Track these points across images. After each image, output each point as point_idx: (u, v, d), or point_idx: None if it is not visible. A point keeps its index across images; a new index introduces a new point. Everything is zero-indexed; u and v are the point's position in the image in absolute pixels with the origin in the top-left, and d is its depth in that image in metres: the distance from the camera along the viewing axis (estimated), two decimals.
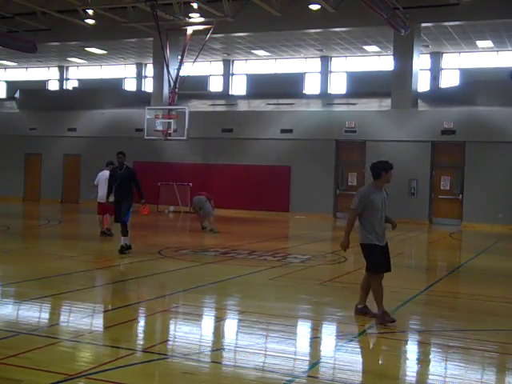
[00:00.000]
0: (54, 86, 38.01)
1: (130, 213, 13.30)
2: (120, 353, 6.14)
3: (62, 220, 23.00)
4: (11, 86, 37.99)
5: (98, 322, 7.36)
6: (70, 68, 38.00)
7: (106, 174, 15.64)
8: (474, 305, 9.34)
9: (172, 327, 7.57)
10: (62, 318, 7.81)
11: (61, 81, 37.93)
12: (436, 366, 6.36)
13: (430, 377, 5.89)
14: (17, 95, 32.85)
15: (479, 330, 5.85)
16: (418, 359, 6.55)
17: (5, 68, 38.88)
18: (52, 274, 10.25)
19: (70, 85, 37.62)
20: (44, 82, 38.16)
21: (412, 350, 7.03)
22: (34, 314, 7.94)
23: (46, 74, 38.51)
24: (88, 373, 5.38)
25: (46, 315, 8.01)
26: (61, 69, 37.83)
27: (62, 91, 35.77)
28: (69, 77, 38.11)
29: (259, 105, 29.00)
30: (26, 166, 31.03)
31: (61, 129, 29.96)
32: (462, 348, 6.69)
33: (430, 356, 6.70)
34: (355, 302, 8.18)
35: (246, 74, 33.41)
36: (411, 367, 6.28)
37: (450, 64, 29.87)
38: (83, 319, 7.47)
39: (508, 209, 22.99)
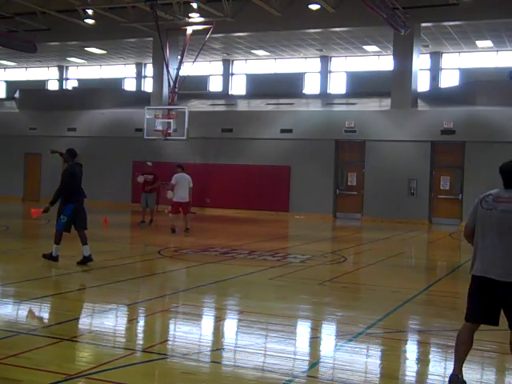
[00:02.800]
0: (53, 85, 38.01)
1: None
2: (120, 353, 6.14)
3: None
4: (11, 85, 37.98)
5: (97, 322, 7.36)
6: (70, 68, 38.00)
7: (185, 176, 18.12)
8: None
9: (172, 327, 7.57)
10: (62, 317, 7.80)
11: (60, 81, 37.93)
12: (435, 365, 6.36)
13: (430, 377, 5.89)
14: (16, 95, 32.84)
15: (478, 330, 5.85)
16: (417, 359, 6.56)
17: (4, 68, 38.88)
18: (52, 274, 10.25)
19: (70, 85, 37.61)
20: (44, 82, 38.15)
21: (412, 349, 7.03)
22: (34, 313, 7.95)
23: (45, 74, 38.51)
24: (88, 373, 5.38)
25: (45, 315, 8.01)
26: (60, 69, 37.83)
27: (62, 91, 35.76)
28: (68, 77, 38.11)
29: (259, 105, 29.00)
30: (25, 165, 31.02)
31: (61, 129, 29.95)
32: None
33: (430, 356, 6.71)
34: (355, 302, 8.18)
35: (246, 74, 33.41)
36: (411, 367, 6.28)
37: (450, 64, 29.88)
38: (83, 319, 7.48)
39: None
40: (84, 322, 7.32)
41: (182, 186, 18.09)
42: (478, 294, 5.29)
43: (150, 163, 21.18)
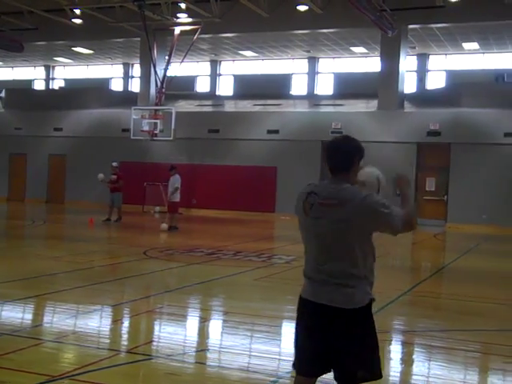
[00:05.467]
0: (40, 85, 37.83)
1: None
2: (104, 354, 6.12)
3: (47, 220, 22.90)
4: None
5: (81, 323, 7.33)
6: (57, 67, 37.83)
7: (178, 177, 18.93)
8: (457, 305, 9.40)
9: (156, 328, 7.56)
10: (46, 318, 7.77)
11: (47, 80, 37.76)
12: (419, 366, 6.39)
13: (414, 377, 5.93)
14: (2, 94, 32.66)
15: (462, 330, 5.89)
16: (401, 359, 6.59)
17: None
18: (36, 275, 10.20)
19: (57, 84, 37.45)
20: (30, 82, 37.96)
21: (396, 350, 7.06)
22: (17, 314, 7.90)
23: (32, 74, 38.32)
24: (72, 374, 5.36)
25: (29, 316, 7.97)
26: (47, 68, 37.67)
27: (48, 91, 35.60)
28: (55, 76, 37.94)
29: (246, 105, 29.01)
30: (10, 165, 30.84)
31: (46, 129, 29.82)
32: (445, 348, 6.73)
33: (414, 356, 6.74)
34: None
35: (233, 75, 33.41)
36: (395, 367, 6.31)
37: (436, 66, 30.05)
38: (67, 320, 7.44)
39: (492, 210, 23.14)
40: (68, 323, 7.29)
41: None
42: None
43: (115, 164, 21.83)
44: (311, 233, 3.86)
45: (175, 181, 18.89)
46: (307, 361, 3.83)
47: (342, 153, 3.86)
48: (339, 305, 3.69)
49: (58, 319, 7.50)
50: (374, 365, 3.79)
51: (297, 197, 3.95)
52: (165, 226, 18.53)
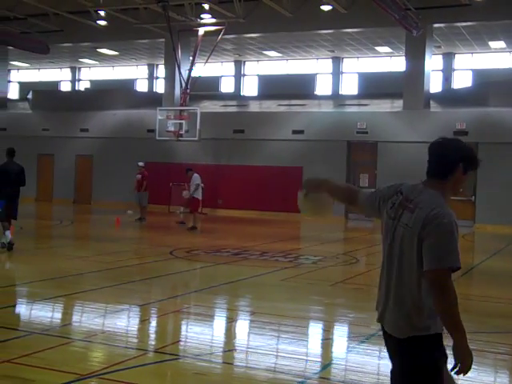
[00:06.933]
0: (66, 86, 38.21)
1: None
2: (132, 353, 6.15)
3: (75, 220, 23.11)
4: (24, 86, 38.22)
5: (110, 322, 7.38)
6: (82, 69, 38.19)
7: (197, 176, 19.43)
8: (486, 307, 9.30)
9: (184, 328, 7.58)
10: (74, 318, 7.84)
11: (73, 82, 38.13)
12: (448, 368, 6.31)
13: None
14: (29, 96, 33.02)
15: (491, 333, 5.81)
16: None
17: (17, 69, 39.12)
18: (64, 274, 10.29)
19: (82, 86, 37.80)
20: (56, 83, 38.37)
21: None
22: (47, 313, 7.98)
23: (58, 75, 38.72)
24: (100, 373, 5.40)
25: (58, 315, 8.04)
26: (73, 70, 38.03)
27: (74, 92, 35.94)
28: (81, 78, 38.30)
29: (270, 106, 28.99)
30: (38, 166, 31.15)
31: (73, 129, 30.07)
32: (474, 350, 6.62)
33: None
34: (367, 303, 8.14)
35: (258, 75, 33.43)
36: None
37: (463, 65, 29.77)
38: (95, 319, 7.50)
39: None
40: (96, 322, 7.34)
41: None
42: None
43: (141, 163, 22.09)
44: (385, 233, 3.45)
45: (195, 179, 19.35)
46: None
47: (437, 156, 3.48)
48: None
49: (87, 318, 7.56)
50: None
51: (380, 192, 3.56)
52: (186, 193, 19.60)
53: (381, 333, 7.35)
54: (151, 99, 29.73)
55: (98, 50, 32.10)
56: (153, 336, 7.20)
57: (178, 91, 27.25)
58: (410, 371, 3.39)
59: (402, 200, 3.35)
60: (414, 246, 3.22)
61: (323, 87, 32.03)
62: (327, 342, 7.13)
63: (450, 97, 26.34)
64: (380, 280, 3.44)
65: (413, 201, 3.30)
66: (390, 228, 3.36)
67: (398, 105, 25.79)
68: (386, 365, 6.27)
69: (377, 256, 15.49)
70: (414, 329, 3.29)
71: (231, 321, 7.99)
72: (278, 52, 30.93)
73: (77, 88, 37.64)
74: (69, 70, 38.15)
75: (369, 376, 5.71)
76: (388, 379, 5.77)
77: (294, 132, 26.23)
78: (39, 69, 38.73)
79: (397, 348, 3.44)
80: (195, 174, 19.44)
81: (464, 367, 3.35)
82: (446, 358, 3.42)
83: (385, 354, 6.58)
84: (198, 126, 23.97)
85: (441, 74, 29.74)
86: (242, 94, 33.18)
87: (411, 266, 3.24)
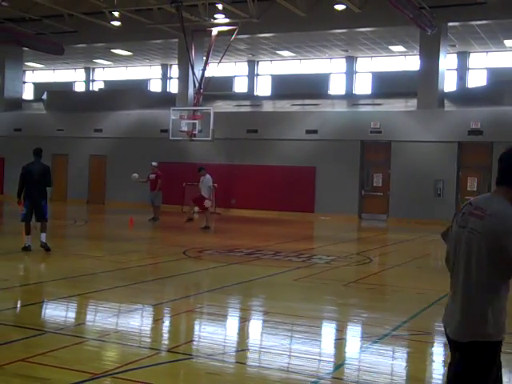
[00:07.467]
0: (80, 87, 38.39)
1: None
2: (145, 352, 6.16)
3: (88, 220, 23.21)
4: (39, 87, 38.46)
5: (123, 322, 7.41)
6: (96, 69, 38.36)
7: (209, 177, 19.43)
8: None
9: (197, 327, 7.59)
10: (88, 317, 7.87)
11: (87, 82, 38.30)
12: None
13: None
14: (44, 97, 33.20)
15: (509, 333, 5.79)
16: (443, 361, 6.49)
17: (32, 70, 39.37)
18: (78, 274, 10.34)
19: (96, 86, 37.96)
20: (71, 84, 38.58)
21: (438, 352, 6.96)
22: (61, 313, 8.03)
23: (72, 76, 38.92)
24: (113, 372, 5.42)
25: (72, 314, 8.08)
26: (87, 70, 38.20)
27: (89, 92, 36.10)
28: (95, 78, 38.47)
29: (284, 105, 28.97)
30: (53, 166, 31.21)
31: (87, 130, 30.21)
32: None
33: None
34: (380, 303, 8.13)
35: (271, 75, 33.41)
36: (437, 369, 6.22)
37: (477, 63, 29.59)
38: (109, 319, 7.53)
39: None
40: (110, 322, 7.37)
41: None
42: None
43: (154, 163, 22.13)
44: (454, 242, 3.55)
45: (207, 181, 19.30)
46: None
47: (506, 163, 3.43)
48: None
49: (101, 318, 7.59)
50: None
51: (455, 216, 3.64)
52: (208, 202, 19.51)
53: (394, 333, 7.35)
54: (165, 99, 29.81)
55: (112, 50, 32.23)
56: (166, 335, 7.22)
57: (191, 91, 27.30)
58: (465, 375, 3.43)
59: (471, 209, 3.44)
60: (481, 251, 3.30)
61: (337, 87, 31.96)
62: (340, 342, 7.11)
63: (464, 96, 26.20)
64: (450, 284, 3.57)
65: (482, 209, 3.37)
66: (459, 235, 3.47)
67: (412, 104, 25.69)
68: (399, 365, 6.26)
69: (390, 256, 15.46)
70: (475, 334, 3.35)
71: (244, 320, 7.99)
72: (292, 52, 30.90)
73: (91, 88, 37.81)
74: (83, 70, 38.33)
75: (382, 376, 5.69)
76: (401, 380, 5.76)
77: (308, 132, 26.19)
78: (54, 69, 38.95)
79: (456, 350, 3.51)
80: (207, 176, 19.40)
81: None
82: (501, 367, 3.45)
83: (399, 354, 6.58)
84: (211, 126, 23.99)
85: (455, 72, 29.58)
86: (255, 93, 33.18)
87: (478, 271, 3.33)
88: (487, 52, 29.06)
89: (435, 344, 7.11)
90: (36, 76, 39.97)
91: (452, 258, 3.54)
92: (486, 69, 29.17)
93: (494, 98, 24.26)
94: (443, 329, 3.60)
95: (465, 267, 3.39)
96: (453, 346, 3.52)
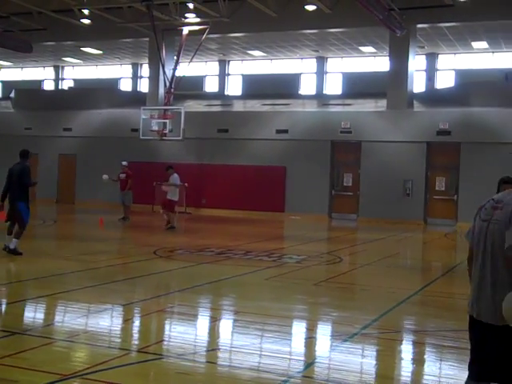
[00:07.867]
0: (49, 85, 37.96)
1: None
2: (115, 353, 6.13)
3: (58, 220, 22.98)
4: (6, 85, 37.94)
5: (92, 322, 7.35)
6: (66, 68, 37.95)
7: (176, 176, 19.28)
8: None
9: (167, 327, 7.57)
10: (57, 318, 7.80)
11: (56, 81, 37.89)
12: (431, 365, 6.37)
13: (425, 377, 5.91)
14: (12, 95, 32.78)
15: None
16: (412, 359, 6.57)
17: (0, 68, 38.80)
18: (47, 274, 10.23)
19: (66, 85, 37.56)
20: (39, 82, 38.10)
21: (407, 350, 7.04)
22: (29, 313, 7.94)
23: (41, 74, 38.45)
24: (83, 373, 5.38)
25: (40, 315, 8.00)
26: (56, 69, 37.78)
27: (58, 91, 35.72)
28: (64, 77, 38.06)
29: (255, 105, 29.01)
30: None
31: (56, 129, 29.91)
32: (456, 348, 6.71)
33: (425, 356, 6.72)
34: (350, 302, 8.19)
35: (242, 75, 33.41)
36: (406, 367, 6.29)
37: (446, 65, 29.95)
38: (78, 319, 7.47)
39: None
40: (79, 322, 7.31)
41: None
42: (471, 341, 3.99)
43: (124, 163, 22.14)
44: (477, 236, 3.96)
45: (174, 179, 19.20)
46: None
47: None
48: None
49: (70, 318, 7.53)
50: None
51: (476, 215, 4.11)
52: (165, 187, 19.40)
53: (363, 331, 7.42)
54: (135, 98, 29.65)
55: (82, 48, 31.93)
56: (136, 336, 7.18)
57: (162, 90, 27.20)
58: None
59: (493, 204, 3.92)
60: (503, 236, 3.69)
61: (307, 87, 32.08)
62: (311, 341, 7.15)
63: (433, 97, 26.51)
64: (473, 276, 3.94)
65: (502, 201, 3.86)
66: (483, 229, 3.88)
67: (382, 104, 25.91)
68: (368, 363, 6.32)
69: (360, 255, 15.57)
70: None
71: (215, 320, 7.99)
72: (263, 52, 30.94)
73: (60, 87, 37.40)
74: (52, 68, 37.90)
75: (352, 374, 5.74)
76: (371, 378, 5.81)
77: (278, 131, 26.27)
78: (22, 67, 38.44)
79: (488, 331, 3.79)
80: (175, 174, 19.33)
81: None
82: None
83: (368, 352, 6.64)
84: (182, 126, 23.92)
85: (424, 74, 29.90)
86: (226, 93, 33.16)
87: (502, 255, 3.69)
88: (455, 54, 29.43)
89: (404, 342, 7.19)
90: (4, 74, 39.42)
91: (475, 250, 3.91)
92: (454, 70, 29.54)
93: (462, 99, 24.59)
94: (468, 314, 3.94)
95: (491, 256, 3.78)
96: (483, 329, 3.79)
